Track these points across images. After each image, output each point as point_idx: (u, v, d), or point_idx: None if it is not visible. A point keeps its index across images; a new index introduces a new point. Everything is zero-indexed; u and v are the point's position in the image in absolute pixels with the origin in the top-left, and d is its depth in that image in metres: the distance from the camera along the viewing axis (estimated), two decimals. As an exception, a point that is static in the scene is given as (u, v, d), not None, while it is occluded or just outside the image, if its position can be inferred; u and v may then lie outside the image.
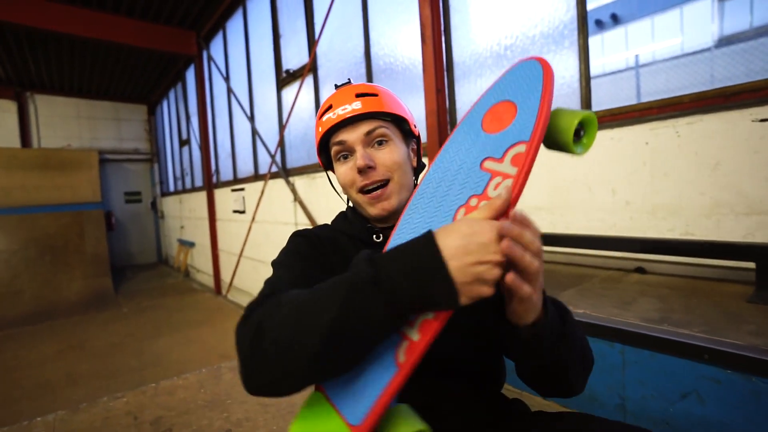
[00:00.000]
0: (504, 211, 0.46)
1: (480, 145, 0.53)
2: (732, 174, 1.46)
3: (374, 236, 0.73)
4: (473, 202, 0.51)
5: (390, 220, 0.73)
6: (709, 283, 1.49)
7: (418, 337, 0.45)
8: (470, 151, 0.54)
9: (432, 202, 0.55)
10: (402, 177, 0.71)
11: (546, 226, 2.06)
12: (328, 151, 0.76)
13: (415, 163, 0.78)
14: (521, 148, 0.48)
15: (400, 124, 0.75)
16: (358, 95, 0.72)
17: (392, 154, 0.70)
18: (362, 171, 0.69)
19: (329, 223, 0.83)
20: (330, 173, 0.82)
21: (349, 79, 0.78)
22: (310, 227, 0.81)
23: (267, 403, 1.91)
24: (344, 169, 0.72)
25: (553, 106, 0.51)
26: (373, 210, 0.71)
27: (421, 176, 0.73)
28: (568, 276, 1.77)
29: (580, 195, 1.94)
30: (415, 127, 0.77)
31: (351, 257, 0.63)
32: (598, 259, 1.91)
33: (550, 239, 1.92)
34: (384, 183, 0.70)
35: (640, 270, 1.74)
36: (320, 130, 0.74)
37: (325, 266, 0.68)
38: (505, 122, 0.52)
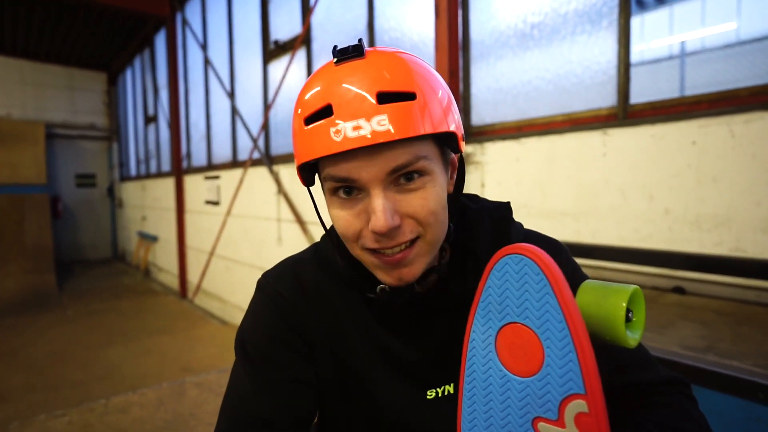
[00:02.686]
0: None
1: (516, 395, 0.43)
2: (792, 183, 1.46)
3: (378, 290, 0.61)
4: None
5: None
6: (764, 309, 1.48)
7: None
8: (506, 402, 0.44)
9: None
10: (437, 230, 0.54)
11: (570, 235, 2.06)
12: (314, 168, 0.57)
13: (451, 188, 0.61)
14: (580, 406, 0.39)
15: (446, 141, 0.55)
16: (382, 98, 0.48)
17: (427, 201, 0.52)
18: (383, 234, 0.51)
19: (319, 244, 0.71)
20: (314, 191, 0.63)
21: (360, 41, 0.52)
22: (286, 268, 0.69)
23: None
24: (345, 216, 0.53)
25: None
26: (386, 278, 0.55)
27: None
28: (595, 293, 1.76)
29: (610, 200, 1.94)
30: (463, 138, 0.57)
31: (339, 314, 0.64)
32: (630, 275, 1.90)
33: (574, 250, 1.91)
34: (409, 243, 0.53)
35: (678, 290, 1.74)
36: (305, 146, 0.51)
37: (308, 339, 0.64)
38: (533, 360, 0.42)
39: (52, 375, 3.60)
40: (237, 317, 5.02)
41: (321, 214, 0.63)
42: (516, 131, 2.31)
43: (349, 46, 0.52)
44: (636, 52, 2.07)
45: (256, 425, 0.61)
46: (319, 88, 0.51)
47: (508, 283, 0.44)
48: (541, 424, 0.41)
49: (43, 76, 8.86)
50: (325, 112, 0.49)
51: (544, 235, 0.70)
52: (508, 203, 0.69)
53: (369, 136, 0.47)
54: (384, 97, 0.48)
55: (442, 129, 0.51)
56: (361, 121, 0.47)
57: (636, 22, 2.18)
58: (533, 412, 0.42)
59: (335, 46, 0.53)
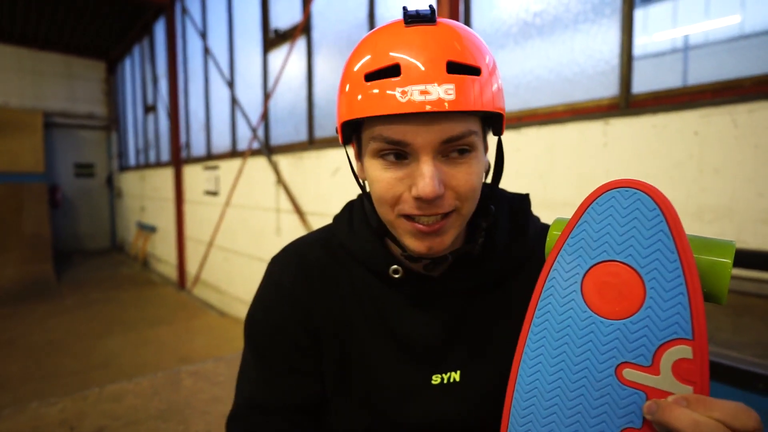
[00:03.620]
0: None
1: (601, 339, 0.40)
2: (795, 174, 1.45)
3: (392, 270, 0.61)
4: None
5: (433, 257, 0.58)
6: (763, 301, 1.47)
7: None
8: (587, 345, 0.40)
9: None
10: (472, 206, 0.55)
11: (571, 226, 2.04)
12: (359, 129, 0.56)
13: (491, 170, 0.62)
14: (683, 351, 0.36)
15: (492, 121, 0.55)
16: (451, 67, 0.48)
17: (471, 176, 0.52)
18: (427, 201, 0.51)
19: (330, 225, 0.71)
20: (351, 151, 0.62)
21: (431, 7, 0.51)
22: (291, 252, 0.69)
23: (232, 416, 1.89)
24: (389, 178, 0.52)
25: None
26: (417, 245, 0.55)
27: (509, 385, 0.46)
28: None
29: (613, 191, 1.92)
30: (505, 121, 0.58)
31: (344, 297, 0.64)
32: (630, 267, 1.90)
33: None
34: (446, 214, 0.53)
35: (678, 282, 1.73)
36: (364, 102, 0.50)
37: (311, 326, 0.64)
38: (629, 301, 0.39)
39: (50, 364, 3.60)
40: (235, 308, 5.02)
41: (357, 176, 0.62)
42: (517, 121, 2.29)
43: (419, 10, 0.51)
44: (639, 45, 2.04)
45: (259, 410, 0.64)
46: (387, 48, 0.50)
47: (611, 218, 0.41)
48: (627, 371, 0.39)
49: (42, 64, 8.80)
50: (392, 71, 0.49)
51: None
52: (527, 195, 0.69)
53: (435, 102, 0.47)
54: (453, 67, 0.48)
55: (496, 108, 0.52)
56: (430, 87, 0.47)
57: (639, 14, 2.16)
58: (619, 357, 0.39)
59: (405, 7, 0.52)
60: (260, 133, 4.48)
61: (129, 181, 9.17)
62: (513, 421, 0.44)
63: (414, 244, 0.55)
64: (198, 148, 6.09)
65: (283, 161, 4.09)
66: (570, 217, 0.44)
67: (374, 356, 0.63)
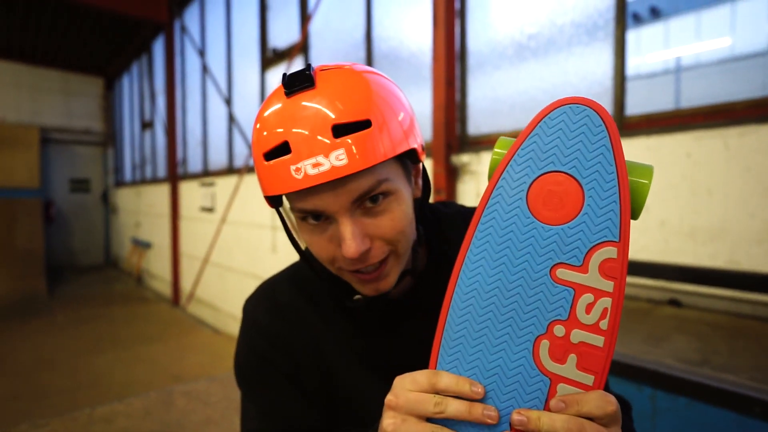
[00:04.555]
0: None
1: (540, 242, 0.44)
2: (786, 196, 1.47)
3: (355, 299, 0.64)
4: (558, 330, 0.43)
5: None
6: (759, 323, 1.48)
7: None
8: (526, 249, 0.44)
9: (488, 331, 0.46)
10: (406, 244, 0.57)
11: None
12: (279, 198, 0.57)
13: (418, 193, 0.63)
14: (610, 252, 0.41)
15: (407, 156, 0.56)
16: (337, 131, 0.48)
17: (394, 221, 0.53)
18: (354, 259, 0.53)
19: (297, 262, 0.73)
20: (284, 212, 0.62)
21: (308, 66, 0.52)
22: (263, 293, 0.71)
23: (225, 438, 1.86)
24: (318, 242, 0.55)
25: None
26: (364, 290, 0.58)
27: (449, 285, 0.48)
28: (590, 305, 1.76)
29: (608, 211, 1.94)
30: (423, 148, 0.59)
31: (317, 332, 0.67)
32: (626, 287, 1.90)
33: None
34: (382, 261, 0.56)
35: (674, 302, 1.73)
36: (268, 180, 0.52)
37: (293, 360, 0.67)
38: (569, 208, 0.43)
39: (39, 382, 3.54)
40: (230, 325, 4.98)
41: (295, 236, 0.63)
42: (512, 141, 2.32)
43: (299, 74, 0.51)
44: (632, 66, 2.08)
45: None
46: (275, 126, 0.51)
47: (561, 132, 0.43)
48: (560, 270, 0.43)
49: (39, 80, 8.85)
50: (284, 149, 0.49)
51: None
52: (450, 201, 0.74)
53: (329, 172, 0.48)
54: (340, 130, 0.48)
55: (403, 149, 0.52)
56: (320, 158, 0.48)
57: (632, 36, 2.20)
58: (555, 258, 0.43)
59: (284, 74, 0.52)
60: (257, 150, 4.50)
61: (124, 197, 9.16)
62: (450, 319, 0.47)
63: (362, 289, 0.58)
64: (195, 164, 6.10)
65: (280, 178, 4.10)
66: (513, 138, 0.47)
67: (352, 385, 0.65)
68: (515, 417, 0.43)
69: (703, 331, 1.41)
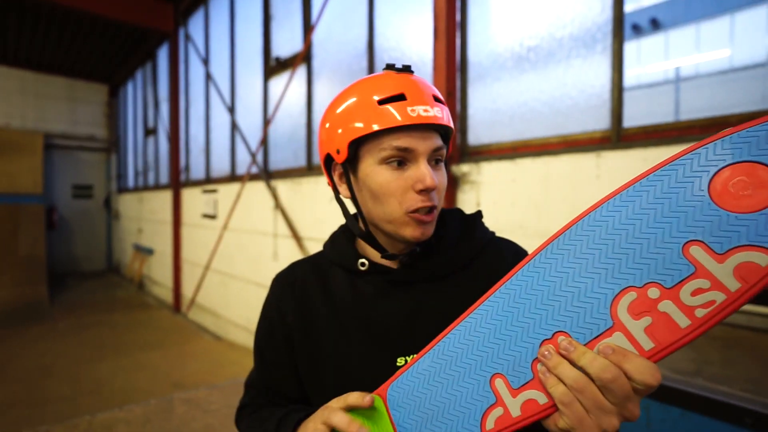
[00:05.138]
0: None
1: (696, 215, 0.43)
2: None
3: (360, 263, 0.76)
4: (653, 292, 0.44)
5: (405, 249, 0.75)
6: (754, 334, 1.49)
7: (518, 414, 0.48)
8: (678, 214, 0.44)
9: (591, 258, 0.48)
10: (442, 205, 0.73)
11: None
12: (357, 147, 0.69)
13: None
14: (759, 259, 0.39)
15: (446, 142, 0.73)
16: (434, 99, 0.68)
17: (444, 180, 0.71)
18: (428, 191, 0.67)
19: (319, 251, 0.87)
20: (340, 185, 0.75)
21: (408, 65, 0.72)
22: (287, 268, 0.86)
23: (225, 446, 1.87)
24: (396, 178, 0.67)
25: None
26: (415, 231, 0.69)
27: (584, 211, 0.54)
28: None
29: (606, 222, 1.96)
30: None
31: (317, 301, 0.79)
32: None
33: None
34: (431, 209, 0.69)
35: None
36: (380, 118, 0.65)
37: (287, 321, 0.80)
38: (754, 201, 0.41)
39: (40, 389, 3.56)
40: (231, 332, 4.99)
41: (344, 204, 0.77)
42: (511, 151, 2.35)
43: (404, 65, 0.71)
44: (632, 76, 2.11)
45: (254, 390, 0.85)
46: (388, 83, 0.68)
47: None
48: (695, 248, 0.42)
49: (44, 87, 8.94)
50: (399, 97, 0.66)
51: (515, 243, 0.82)
52: (479, 211, 0.85)
53: (433, 117, 0.66)
54: (435, 99, 0.68)
55: (452, 135, 0.72)
56: (428, 107, 0.66)
57: (632, 46, 2.23)
58: (699, 236, 0.43)
59: (391, 64, 0.71)
60: (259, 158, 4.54)
61: (127, 203, 9.20)
62: (564, 238, 0.52)
63: (414, 232, 0.69)
64: (197, 171, 6.15)
65: (282, 186, 4.13)
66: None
67: (344, 344, 0.74)
68: (563, 342, 0.46)
69: (697, 341, 1.42)
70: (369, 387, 0.68)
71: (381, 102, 0.66)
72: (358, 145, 0.69)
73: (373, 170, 0.68)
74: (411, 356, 0.71)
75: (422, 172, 0.66)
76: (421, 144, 0.66)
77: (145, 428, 2.07)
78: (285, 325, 0.79)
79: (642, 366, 0.42)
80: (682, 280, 0.42)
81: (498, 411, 0.49)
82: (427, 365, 0.58)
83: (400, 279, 0.74)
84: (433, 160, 0.69)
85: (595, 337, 0.45)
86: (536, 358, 0.48)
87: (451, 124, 0.69)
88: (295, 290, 0.81)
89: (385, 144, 0.66)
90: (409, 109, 0.65)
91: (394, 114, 0.65)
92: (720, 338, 1.46)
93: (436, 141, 0.68)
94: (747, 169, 0.41)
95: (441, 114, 0.67)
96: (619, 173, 1.90)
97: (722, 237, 0.41)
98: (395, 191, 0.67)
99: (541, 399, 0.46)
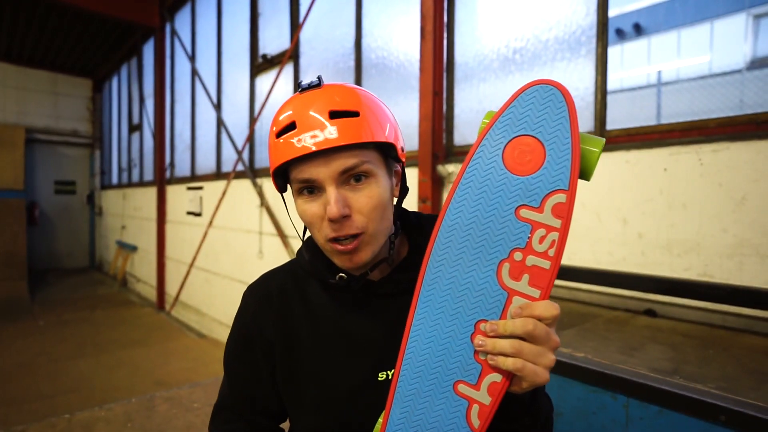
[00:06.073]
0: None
1: (509, 189, 0.55)
2: (760, 211, 1.51)
3: (338, 277, 0.72)
4: (517, 256, 0.55)
5: (360, 269, 0.71)
6: (728, 333, 1.52)
7: (490, 400, 0.55)
8: (498, 194, 0.56)
9: (464, 254, 0.58)
10: (379, 224, 0.67)
11: (548, 256, 2.08)
12: (285, 176, 0.69)
13: (397, 193, 0.74)
14: (560, 198, 0.52)
15: (387, 150, 0.69)
16: (333, 115, 0.62)
17: (371, 198, 0.65)
18: (335, 221, 0.63)
19: (294, 259, 0.84)
20: (287, 196, 0.75)
21: (319, 77, 0.67)
22: (262, 279, 0.83)
23: (207, 445, 1.85)
24: (309, 207, 0.66)
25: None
26: (342, 262, 0.68)
27: (438, 220, 0.60)
28: (568, 314, 1.79)
29: (587, 222, 1.98)
30: (403, 150, 0.72)
31: (297, 313, 0.76)
32: (604, 296, 1.93)
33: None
34: (356, 236, 0.65)
35: (650, 312, 1.77)
36: (277, 154, 0.65)
37: (267, 338, 0.77)
38: (533, 164, 0.54)
39: (18, 387, 3.48)
40: (215, 330, 4.94)
41: (293, 220, 0.76)
42: (497, 152, 2.36)
43: (311, 82, 0.67)
44: (616, 80, 2.14)
45: (226, 411, 0.80)
46: (287, 111, 0.65)
47: (531, 105, 0.55)
48: (523, 210, 0.54)
49: (27, 81, 8.74)
50: (291, 127, 0.63)
51: None
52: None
53: (322, 142, 0.61)
54: (334, 114, 0.62)
55: (380, 139, 0.65)
56: (317, 132, 0.62)
57: (617, 50, 2.26)
58: (519, 201, 0.54)
59: (299, 84, 0.67)
60: (245, 155, 4.49)
61: (110, 200, 9.05)
62: (437, 245, 0.59)
63: (339, 261, 0.68)
64: (182, 168, 6.07)
65: (268, 184, 4.10)
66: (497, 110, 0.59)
67: (324, 359, 0.73)
68: (486, 327, 0.55)
69: (676, 341, 1.44)
70: (349, 402, 0.68)
71: (278, 135, 0.65)
72: (283, 178, 0.70)
73: (295, 200, 0.68)
74: (392, 371, 0.70)
75: (326, 200, 0.63)
76: (323, 170, 0.62)
77: (126, 427, 2.04)
78: (263, 339, 0.76)
79: (544, 306, 0.52)
80: (529, 237, 0.54)
81: (475, 408, 0.56)
82: (407, 389, 0.62)
83: (381, 291, 0.73)
84: (351, 179, 0.64)
85: (503, 310, 0.55)
86: (475, 351, 0.56)
87: (362, 139, 0.62)
88: (272, 303, 0.78)
89: (292, 176, 0.66)
90: (295, 140, 0.62)
91: (287, 147, 0.63)
92: (698, 338, 1.48)
93: (346, 161, 0.62)
94: (519, 143, 0.55)
95: (336, 133, 0.61)
96: (603, 174, 1.92)
97: (532, 195, 0.54)
98: (312, 221, 0.66)
99: (497, 378, 0.55)
